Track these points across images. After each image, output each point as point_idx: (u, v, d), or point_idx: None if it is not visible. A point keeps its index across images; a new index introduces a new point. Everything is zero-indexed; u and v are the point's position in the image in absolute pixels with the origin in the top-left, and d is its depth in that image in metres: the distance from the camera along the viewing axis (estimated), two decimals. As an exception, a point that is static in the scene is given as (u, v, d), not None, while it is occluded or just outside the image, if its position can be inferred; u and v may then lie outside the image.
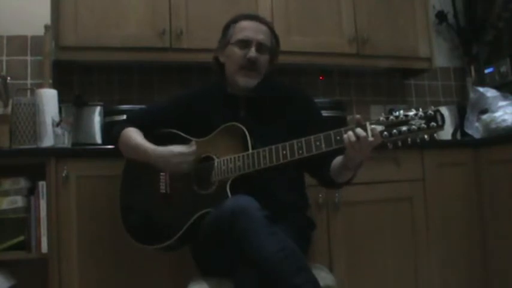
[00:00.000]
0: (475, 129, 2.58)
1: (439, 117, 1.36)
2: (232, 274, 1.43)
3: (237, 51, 1.71)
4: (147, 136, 1.74)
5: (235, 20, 1.77)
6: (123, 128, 1.77)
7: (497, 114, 2.44)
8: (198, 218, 1.58)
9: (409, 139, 1.39)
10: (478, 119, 2.56)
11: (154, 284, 1.97)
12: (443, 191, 2.33)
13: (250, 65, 1.69)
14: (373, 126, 1.41)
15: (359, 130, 1.41)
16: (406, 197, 2.29)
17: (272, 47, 1.76)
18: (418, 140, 1.39)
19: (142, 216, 1.73)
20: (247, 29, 1.72)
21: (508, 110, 2.43)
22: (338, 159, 1.58)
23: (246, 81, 1.71)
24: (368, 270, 2.19)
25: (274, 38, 1.78)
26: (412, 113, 1.39)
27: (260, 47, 1.71)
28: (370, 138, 1.40)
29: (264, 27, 1.75)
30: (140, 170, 1.74)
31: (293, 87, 1.93)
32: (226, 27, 1.78)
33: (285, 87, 1.85)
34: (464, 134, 2.67)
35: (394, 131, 1.39)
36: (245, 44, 1.70)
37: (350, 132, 1.42)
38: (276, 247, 1.34)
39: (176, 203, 1.67)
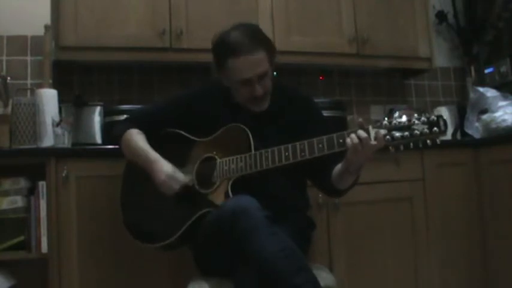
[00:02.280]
0: (475, 129, 2.58)
1: (441, 123, 1.37)
2: (232, 274, 1.43)
3: (240, 89, 1.65)
4: (150, 136, 1.74)
5: (225, 54, 1.61)
6: (126, 128, 1.77)
7: (497, 114, 2.44)
8: (198, 217, 1.59)
9: (411, 143, 1.40)
10: (478, 119, 2.56)
11: (154, 284, 1.97)
12: (443, 191, 2.33)
13: (258, 99, 1.66)
14: (375, 129, 1.42)
15: (361, 132, 1.41)
16: (406, 197, 2.29)
17: (271, 62, 1.66)
18: (421, 145, 1.40)
19: (143, 215, 1.73)
20: (243, 69, 1.59)
21: (508, 110, 2.43)
22: (338, 166, 1.58)
23: (257, 108, 1.68)
24: (368, 270, 2.19)
25: (269, 49, 1.65)
26: (414, 117, 1.40)
27: (262, 76, 1.63)
28: (373, 142, 1.40)
29: (257, 54, 1.59)
30: (142, 169, 1.73)
31: (293, 87, 1.92)
32: (219, 58, 1.64)
33: (286, 88, 1.84)
34: (464, 134, 2.67)
35: (397, 135, 1.40)
36: (247, 82, 1.62)
37: (353, 135, 1.42)
38: (276, 247, 1.35)
39: (177, 203, 1.66)
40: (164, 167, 1.63)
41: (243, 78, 1.61)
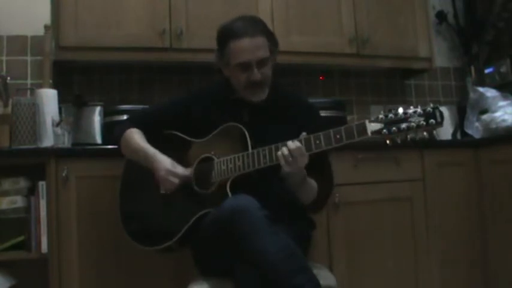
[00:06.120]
0: (475, 129, 2.58)
1: (437, 114, 1.38)
2: (232, 274, 1.43)
3: (239, 74, 1.66)
4: (149, 137, 1.74)
5: (227, 37, 1.66)
6: (125, 129, 1.77)
7: (497, 114, 2.44)
8: (198, 218, 1.58)
9: (408, 136, 1.41)
10: (478, 119, 2.56)
11: (154, 284, 1.97)
12: (443, 191, 2.33)
13: (256, 85, 1.67)
14: (304, 134, 1.49)
15: (290, 143, 1.48)
16: (406, 197, 2.29)
17: (272, 52, 1.69)
18: (418, 138, 1.41)
19: (142, 218, 1.73)
20: (243, 51, 1.62)
21: (508, 110, 2.44)
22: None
23: (255, 97, 1.69)
24: (368, 270, 2.18)
25: (271, 39, 1.70)
26: (411, 110, 1.40)
27: (261, 63, 1.65)
28: (292, 146, 1.47)
29: (258, 39, 1.64)
30: (140, 170, 1.73)
31: (295, 93, 1.92)
32: (221, 43, 1.69)
33: (287, 92, 1.84)
34: (464, 134, 2.67)
35: (393, 128, 1.41)
36: (245, 66, 1.64)
37: (283, 148, 1.48)
38: (277, 247, 1.35)
39: (176, 204, 1.67)
40: (162, 163, 1.64)
41: (242, 61, 1.63)
